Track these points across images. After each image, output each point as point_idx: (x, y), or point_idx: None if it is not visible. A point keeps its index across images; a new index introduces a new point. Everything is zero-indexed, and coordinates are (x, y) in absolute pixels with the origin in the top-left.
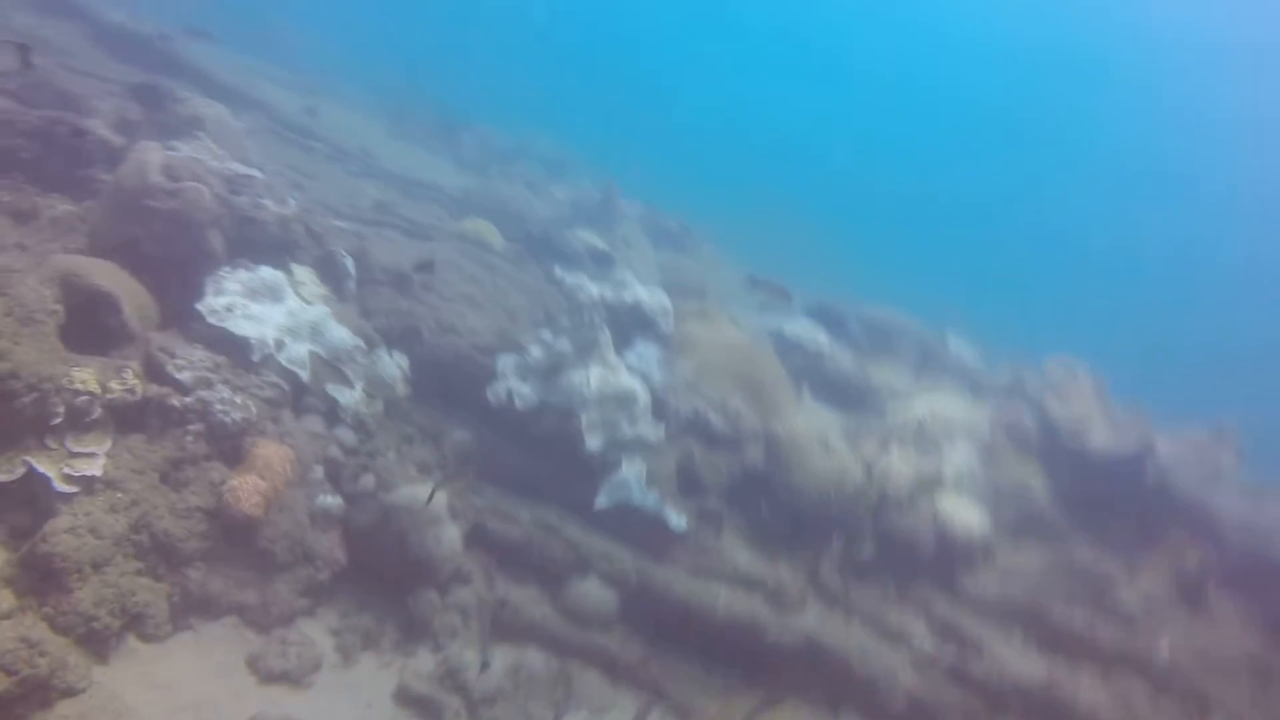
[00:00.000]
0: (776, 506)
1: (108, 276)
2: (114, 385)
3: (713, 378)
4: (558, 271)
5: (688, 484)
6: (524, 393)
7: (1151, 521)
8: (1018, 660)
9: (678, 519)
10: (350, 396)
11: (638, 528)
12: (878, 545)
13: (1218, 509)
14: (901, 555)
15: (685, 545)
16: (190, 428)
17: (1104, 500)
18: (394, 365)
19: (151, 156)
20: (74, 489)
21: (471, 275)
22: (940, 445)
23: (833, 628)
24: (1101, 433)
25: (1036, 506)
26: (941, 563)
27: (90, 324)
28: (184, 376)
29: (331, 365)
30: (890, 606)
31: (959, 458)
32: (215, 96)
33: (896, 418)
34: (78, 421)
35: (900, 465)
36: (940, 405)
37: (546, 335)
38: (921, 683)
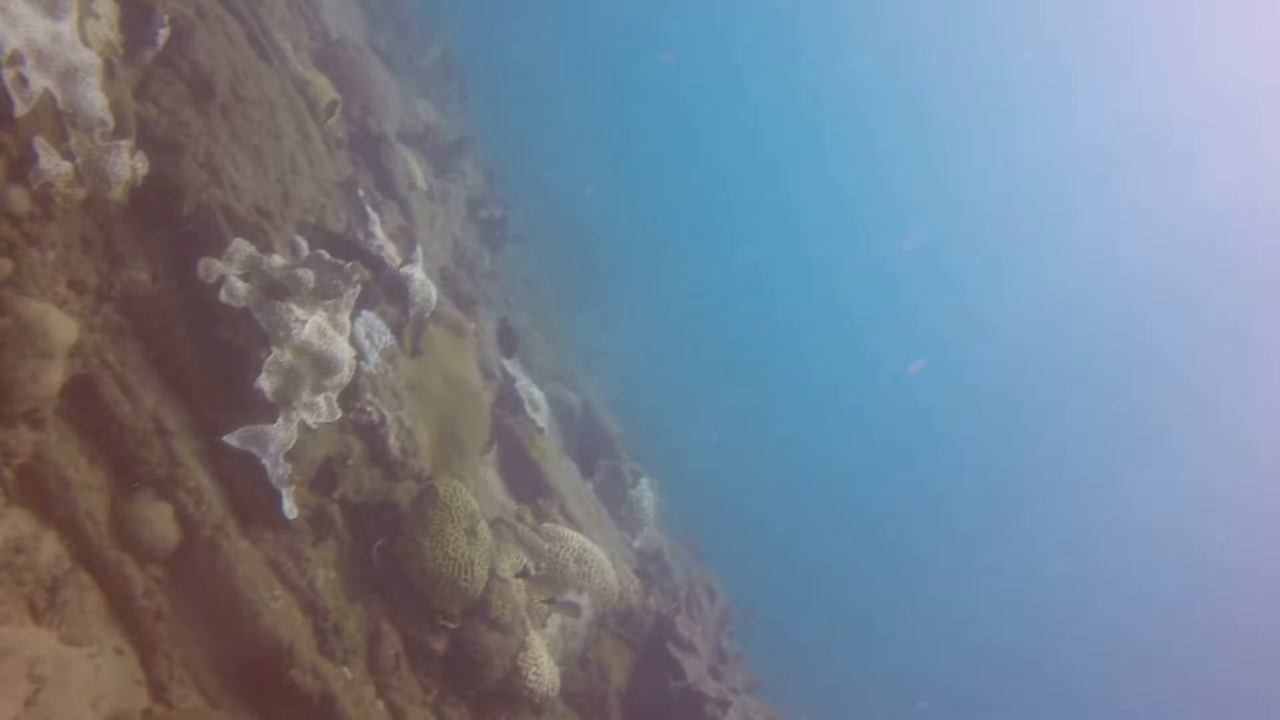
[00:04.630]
0: (389, 555)
1: None
2: None
3: (421, 400)
4: (361, 193)
5: (324, 480)
6: (237, 290)
7: None
8: None
9: (291, 506)
10: (55, 164)
11: (246, 486)
12: (453, 646)
13: None
14: (466, 668)
15: (278, 534)
16: None
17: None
18: (128, 166)
19: None
20: None
21: (278, 131)
22: (568, 589)
23: (355, 697)
24: (699, 663)
25: (603, 695)
26: (496, 697)
27: None
28: None
29: (59, 120)
30: (423, 710)
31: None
32: None
33: (551, 539)
34: None
35: (523, 594)
36: (595, 553)
37: (302, 247)
38: None
